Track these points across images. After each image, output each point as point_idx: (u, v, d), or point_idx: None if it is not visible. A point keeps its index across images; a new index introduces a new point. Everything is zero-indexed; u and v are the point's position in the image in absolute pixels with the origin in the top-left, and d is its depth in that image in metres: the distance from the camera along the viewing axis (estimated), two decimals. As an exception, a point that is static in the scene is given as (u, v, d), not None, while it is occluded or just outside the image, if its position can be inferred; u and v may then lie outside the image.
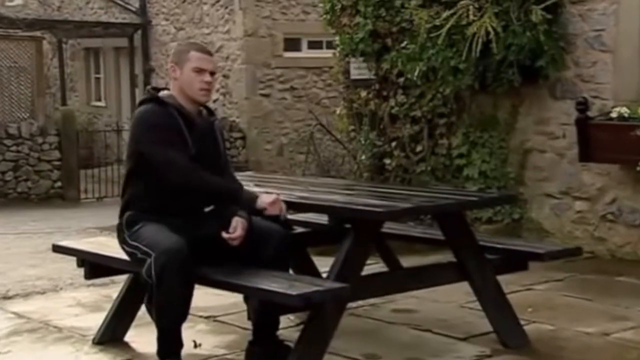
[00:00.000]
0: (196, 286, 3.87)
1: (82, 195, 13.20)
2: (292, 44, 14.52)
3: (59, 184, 13.07)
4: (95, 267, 4.55)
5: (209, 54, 4.04)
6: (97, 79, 17.97)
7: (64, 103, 17.09)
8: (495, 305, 4.34)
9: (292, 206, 4.29)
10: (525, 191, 7.03)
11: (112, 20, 16.68)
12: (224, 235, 3.87)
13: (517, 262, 4.44)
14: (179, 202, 3.95)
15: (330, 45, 14.81)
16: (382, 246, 4.73)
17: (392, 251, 4.83)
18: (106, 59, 17.63)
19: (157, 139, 3.85)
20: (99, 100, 17.93)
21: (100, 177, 13.49)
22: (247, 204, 3.91)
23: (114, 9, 16.93)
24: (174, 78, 4.01)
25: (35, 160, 12.91)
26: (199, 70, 3.94)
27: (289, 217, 5.12)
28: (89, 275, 4.60)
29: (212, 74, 3.99)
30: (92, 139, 15.34)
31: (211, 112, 4.19)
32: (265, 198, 3.92)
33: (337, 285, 3.70)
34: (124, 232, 4.01)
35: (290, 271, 4.25)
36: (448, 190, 4.77)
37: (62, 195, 13.06)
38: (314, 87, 14.74)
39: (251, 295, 3.89)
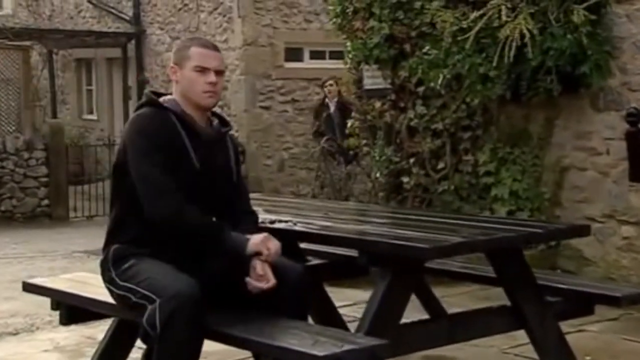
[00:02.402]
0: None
1: (71, 214, 12.43)
2: (293, 53, 13.89)
3: (46, 202, 12.30)
4: (73, 310, 3.81)
5: (214, 48, 3.39)
6: (89, 91, 17.34)
7: (54, 116, 16.40)
8: (557, 357, 3.59)
9: (313, 238, 3.55)
10: (562, 214, 6.29)
11: (105, 29, 16.02)
12: (252, 283, 3.20)
13: (583, 305, 3.68)
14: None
15: (333, 55, 14.29)
16: (420, 285, 3.97)
17: (431, 291, 4.06)
18: (98, 70, 16.99)
19: (146, 149, 3.21)
20: (91, 113, 17.28)
21: (91, 193, 12.75)
22: (233, 250, 3.21)
23: (106, 18, 16.27)
24: (175, 81, 3.36)
25: (21, 177, 12.13)
26: (202, 69, 3.29)
27: (302, 246, 4.41)
28: (66, 320, 3.88)
29: (219, 73, 3.32)
30: (83, 154, 14.59)
31: (224, 122, 3.50)
32: (258, 242, 3.22)
33: (372, 342, 2.94)
34: (110, 271, 3.30)
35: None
36: (500, 220, 4.04)
37: (49, 214, 12.29)
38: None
39: (265, 354, 3.13)
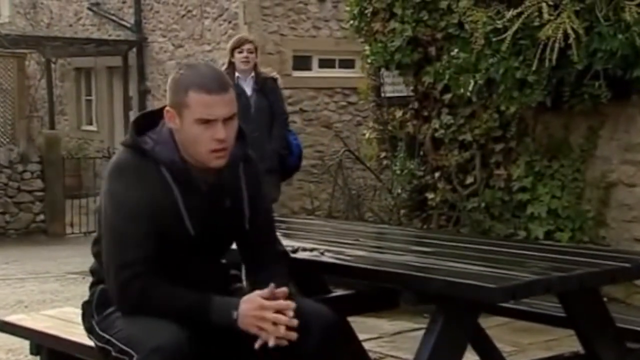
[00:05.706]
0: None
1: (68, 230, 11.80)
2: (301, 62, 13.32)
3: (41, 217, 11.67)
4: (56, 356, 3.20)
5: (220, 88, 2.52)
6: (89, 101, 16.76)
7: (52, 127, 15.80)
8: (640, 415, 2.97)
9: (346, 272, 2.93)
10: (607, 235, 5.70)
11: (105, 37, 15.44)
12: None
13: (671, 352, 3.06)
14: (179, 266, 2.62)
15: (343, 64, 13.75)
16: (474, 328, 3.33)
17: (484, 330, 3.43)
18: (98, 79, 16.43)
19: (118, 218, 2.54)
20: (90, 124, 16.71)
21: (89, 208, 12.08)
22: (219, 321, 2.52)
23: (107, 26, 15.69)
24: (175, 128, 2.58)
25: (15, 191, 11.50)
26: (206, 122, 2.51)
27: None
28: (47, 368, 3.24)
29: (229, 119, 2.53)
30: (81, 166, 13.99)
31: (243, 139, 2.67)
32: (248, 309, 2.50)
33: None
34: (92, 316, 2.70)
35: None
36: (569, 249, 3.40)
37: (44, 229, 11.65)
38: (326, 110, 13.48)
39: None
